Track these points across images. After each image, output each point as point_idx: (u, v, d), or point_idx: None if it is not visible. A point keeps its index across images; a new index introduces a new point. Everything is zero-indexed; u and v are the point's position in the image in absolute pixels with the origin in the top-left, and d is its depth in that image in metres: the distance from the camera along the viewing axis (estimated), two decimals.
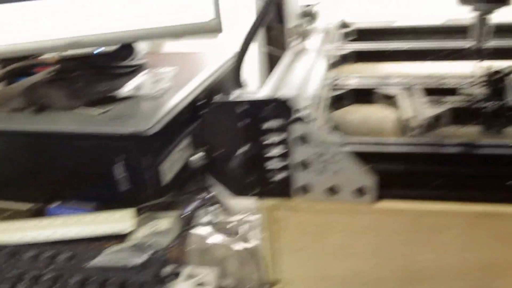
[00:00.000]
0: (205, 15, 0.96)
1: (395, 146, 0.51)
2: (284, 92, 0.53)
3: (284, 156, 0.51)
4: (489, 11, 0.64)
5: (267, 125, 0.50)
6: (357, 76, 0.77)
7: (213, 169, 0.53)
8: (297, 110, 0.50)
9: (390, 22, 1.23)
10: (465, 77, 0.70)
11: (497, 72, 0.64)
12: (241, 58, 0.84)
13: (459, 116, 0.63)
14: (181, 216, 0.77)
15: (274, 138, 0.51)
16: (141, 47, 1.16)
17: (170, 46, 1.41)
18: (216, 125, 0.52)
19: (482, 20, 0.65)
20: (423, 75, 0.74)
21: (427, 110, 0.61)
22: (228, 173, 0.52)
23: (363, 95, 0.71)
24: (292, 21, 0.75)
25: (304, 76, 0.60)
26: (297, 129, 0.50)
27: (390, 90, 0.68)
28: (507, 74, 0.64)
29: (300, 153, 0.51)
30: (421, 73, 0.93)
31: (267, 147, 0.52)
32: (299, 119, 0.49)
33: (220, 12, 0.97)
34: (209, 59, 1.24)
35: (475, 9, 0.64)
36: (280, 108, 0.49)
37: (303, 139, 0.50)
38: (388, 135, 0.65)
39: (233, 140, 0.52)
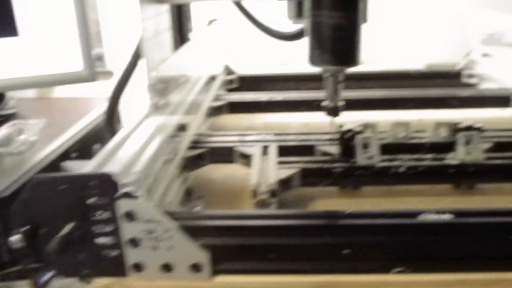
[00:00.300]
0: (74, 66, 0.92)
1: (227, 220, 0.49)
2: (111, 166, 0.50)
3: (113, 233, 0.48)
4: (339, 71, 0.65)
5: (92, 201, 0.47)
6: (218, 133, 0.76)
7: (37, 250, 0.49)
8: (124, 185, 0.47)
9: (280, 65, 1.24)
10: (324, 133, 0.71)
11: (348, 130, 0.65)
12: (112, 109, 0.81)
13: (311, 176, 0.63)
14: (35, 286, 0.71)
15: (102, 215, 0.47)
16: (13, 94, 1.09)
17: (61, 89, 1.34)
18: (38, 202, 0.48)
19: (333, 79, 0.66)
20: (285, 131, 0.74)
21: (277, 172, 0.60)
22: (52, 254, 0.48)
23: (222, 154, 0.69)
24: (155, 74, 0.73)
25: (147, 140, 0.57)
26: (123, 206, 0.46)
27: (247, 149, 0.67)
28: (357, 133, 0.65)
29: (128, 231, 0.47)
30: (290, 123, 0.94)
31: (95, 224, 0.48)
32: (125, 195, 0.46)
33: (93, 63, 0.93)
34: (94, 104, 1.19)
35: (325, 70, 0.64)
36: (104, 184, 0.46)
37: (130, 216, 0.47)
38: (248, 195, 0.63)
39: (58, 217, 0.48)
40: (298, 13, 0.67)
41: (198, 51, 1.16)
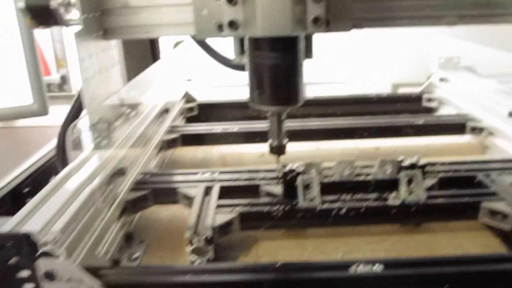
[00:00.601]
0: (24, 100, 0.91)
1: (151, 276, 0.47)
2: (33, 223, 0.48)
3: None
4: (282, 111, 0.64)
5: (12, 261, 0.45)
6: (164, 172, 0.75)
7: None
8: (43, 244, 0.45)
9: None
10: (270, 170, 0.70)
11: (291, 170, 0.64)
12: (63, 144, 0.80)
13: (251, 220, 0.61)
14: None
15: (23, 274, 0.46)
16: None
17: None
18: None
19: (276, 118, 0.65)
20: (231, 169, 0.73)
21: (216, 216, 0.59)
22: None
23: (166, 195, 0.68)
24: (97, 113, 0.71)
25: (80, 186, 0.56)
26: (43, 266, 0.45)
27: (190, 191, 0.66)
28: (300, 173, 0.64)
29: None
30: (246, 154, 0.93)
31: (17, 284, 0.46)
32: (44, 254, 0.45)
33: (44, 96, 0.92)
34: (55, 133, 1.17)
35: (267, 110, 0.63)
36: (22, 244, 0.45)
37: (51, 275, 0.45)
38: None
39: None
40: (241, 50, 0.66)
41: (157, 78, 1.14)
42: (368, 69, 1.55)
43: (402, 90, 1.54)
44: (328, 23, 0.67)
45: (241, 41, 0.66)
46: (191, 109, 1.10)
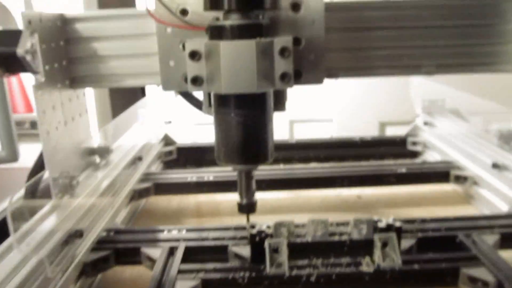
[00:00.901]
0: None
1: None
2: None
3: None
4: (250, 169, 0.61)
5: None
6: (128, 229, 0.71)
7: None
8: None
9: None
10: (240, 228, 0.66)
11: (259, 232, 0.61)
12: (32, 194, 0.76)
13: (215, 287, 0.58)
14: None
15: None
16: None
17: None
18: None
19: (244, 175, 0.62)
20: (199, 227, 0.69)
21: (177, 283, 0.55)
22: None
23: (128, 256, 0.64)
24: (59, 167, 0.68)
25: (29, 254, 0.52)
26: None
27: (153, 252, 0.62)
28: (268, 236, 0.60)
29: None
30: (222, 202, 0.89)
31: None
32: None
33: (14, 143, 0.89)
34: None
35: (236, 169, 0.60)
36: None
37: None
38: None
39: None
40: (210, 104, 0.63)
41: (136, 120, 1.12)
42: (355, 107, 1.53)
43: (389, 129, 1.51)
44: (299, 75, 0.64)
45: (209, 94, 0.63)
46: (170, 152, 1.07)
